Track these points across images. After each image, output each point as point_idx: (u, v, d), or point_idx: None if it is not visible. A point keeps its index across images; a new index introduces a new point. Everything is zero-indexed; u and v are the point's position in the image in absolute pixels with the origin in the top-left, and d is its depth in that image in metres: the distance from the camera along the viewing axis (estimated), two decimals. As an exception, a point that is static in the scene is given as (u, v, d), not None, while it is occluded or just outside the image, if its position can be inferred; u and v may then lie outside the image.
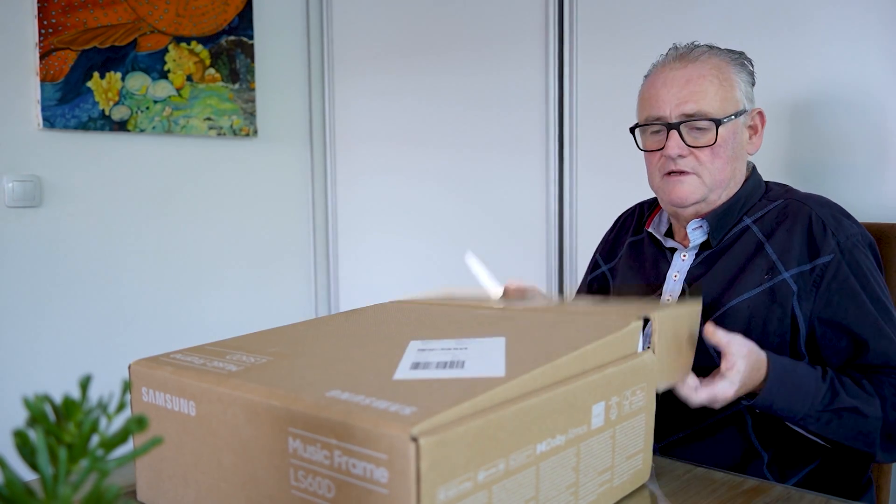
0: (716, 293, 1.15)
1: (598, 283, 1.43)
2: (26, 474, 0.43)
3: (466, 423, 0.58)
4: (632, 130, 1.26)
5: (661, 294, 1.25)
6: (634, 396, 0.80)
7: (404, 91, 2.49)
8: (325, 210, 2.72)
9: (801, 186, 1.26)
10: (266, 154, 2.59)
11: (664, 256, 1.27)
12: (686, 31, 1.86)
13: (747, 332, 1.04)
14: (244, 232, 2.55)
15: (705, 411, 1.10)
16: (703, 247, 1.21)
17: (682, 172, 1.17)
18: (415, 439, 0.54)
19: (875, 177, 1.55)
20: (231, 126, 2.46)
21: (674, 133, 1.16)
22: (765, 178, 1.27)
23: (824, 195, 1.20)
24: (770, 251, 1.13)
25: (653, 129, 1.21)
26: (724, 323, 1.10)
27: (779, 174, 1.53)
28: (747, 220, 1.18)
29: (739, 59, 1.21)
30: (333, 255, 2.72)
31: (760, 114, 1.22)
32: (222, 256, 2.50)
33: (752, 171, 1.24)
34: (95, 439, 0.43)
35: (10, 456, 0.42)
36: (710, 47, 1.20)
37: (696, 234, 1.21)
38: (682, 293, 1.21)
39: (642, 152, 1.25)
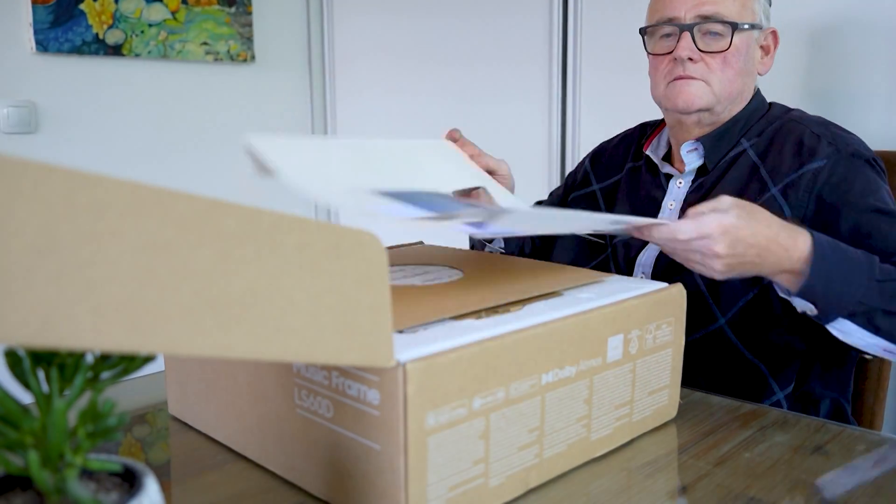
0: None
1: (585, 203, 1.33)
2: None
3: (460, 350, 0.58)
4: (641, 33, 1.18)
5: None
6: (659, 330, 0.78)
7: (406, 17, 2.44)
8: (325, 136, 2.70)
9: (818, 112, 1.19)
10: (264, 80, 2.55)
11: (659, 183, 1.21)
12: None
13: None
14: (241, 158, 2.53)
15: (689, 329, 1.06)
16: (700, 172, 1.16)
17: (690, 78, 1.11)
18: (402, 364, 0.54)
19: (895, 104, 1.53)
20: (228, 51, 2.42)
21: (686, 35, 1.09)
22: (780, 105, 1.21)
23: (842, 124, 1.13)
24: (763, 172, 1.08)
25: (663, 31, 1.13)
26: None
27: (795, 100, 1.48)
28: (745, 143, 1.13)
29: None
30: (333, 184, 2.71)
31: (774, 34, 1.16)
32: (219, 184, 2.48)
33: (756, 93, 1.18)
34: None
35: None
36: None
37: (692, 158, 1.16)
38: None
39: (649, 57, 1.18)
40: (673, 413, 0.84)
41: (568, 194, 1.37)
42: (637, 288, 0.79)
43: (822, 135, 1.07)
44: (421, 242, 1.08)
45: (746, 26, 1.10)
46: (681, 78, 1.11)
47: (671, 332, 0.80)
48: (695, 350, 1.08)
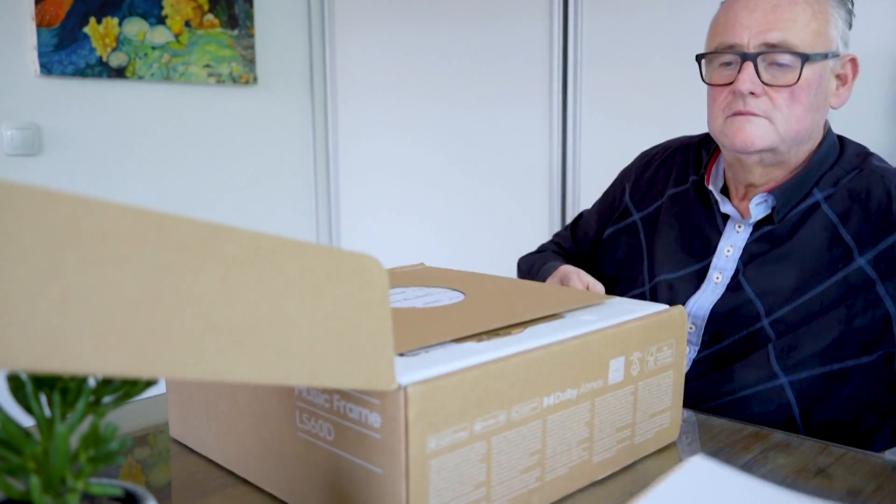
0: (783, 286, 1.00)
1: (626, 236, 1.21)
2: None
3: (461, 373, 0.58)
4: (698, 59, 1.06)
5: (707, 267, 1.08)
6: (661, 353, 0.78)
7: (406, 37, 2.45)
8: (326, 158, 2.71)
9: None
10: (266, 102, 2.57)
11: (714, 222, 1.10)
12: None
13: (825, 334, 0.95)
14: (244, 180, 2.54)
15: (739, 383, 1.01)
16: (763, 219, 1.05)
17: (751, 114, 0.99)
18: (404, 387, 0.54)
19: None
20: (230, 73, 2.43)
21: (748, 65, 0.97)
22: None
23: None
24: (845, 235, 0.97)
25: (724, 59, 1.02)
26: (795, 323, 0.98)
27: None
28: (817, 195, 1.01)
29: None
30: (335, 204, 2.72)
31: (853, 61, 1.03)
32: (223, 205, 2.49)
33: (828, 131, 1.07)
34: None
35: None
36: None
37: (759, 210, 1.05)
38: (736, 273, 1.05)
39: (708, 86, 1.07)
40: (675, 435, 0.83)
41: (604, 227, 1.27)
42: (638, 310, 0.79)
43: None
44: (422, 264, 1.08)
45: (820, 56, 0.98)
46: (741, 114, 1.00)
47: (672, 354, 0.80)
48: (744, 404, 1.02)
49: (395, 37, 2.47)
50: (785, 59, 0.97)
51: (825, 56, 0.98)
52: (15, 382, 0.42)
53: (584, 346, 0.69)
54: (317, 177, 2.70)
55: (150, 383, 0.44)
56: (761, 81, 0.98)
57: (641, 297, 1.15)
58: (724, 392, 1.03)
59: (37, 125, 2.09)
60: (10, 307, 0.34)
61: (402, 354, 0.62)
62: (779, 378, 1.00)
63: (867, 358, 0.98)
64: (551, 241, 1.40)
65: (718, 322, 1.04)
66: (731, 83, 1.00)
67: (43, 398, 0.43)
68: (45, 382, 0.42)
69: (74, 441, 0.42)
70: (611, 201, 1.28)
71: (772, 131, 0.99)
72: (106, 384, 0.43)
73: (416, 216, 2.51)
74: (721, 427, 0.88)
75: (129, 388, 0.44)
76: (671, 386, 0.81)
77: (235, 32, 2.43)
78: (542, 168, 2.17)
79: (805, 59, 0.96)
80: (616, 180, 1.30)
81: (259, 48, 2.50)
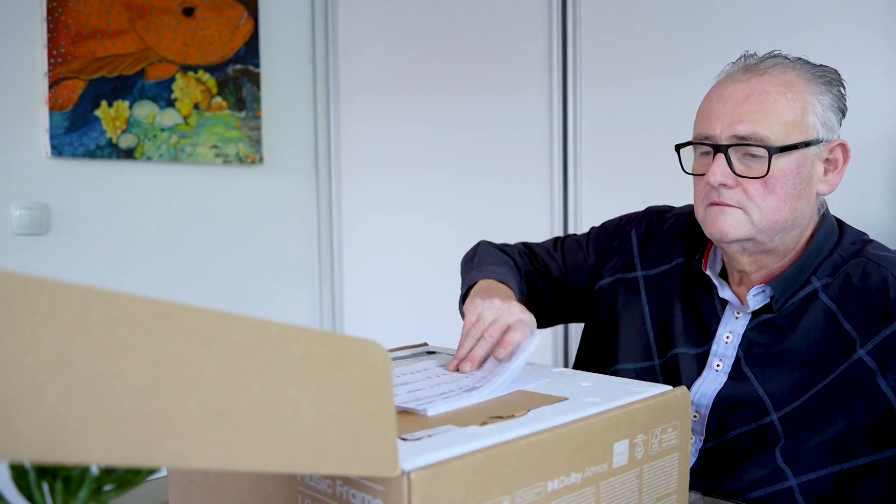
0: (790, 381, 0.98)
1: (624, 288, 1.17)
2: (23, 507, 0.44)
3: (465, 458, 0.58)
4: (677, 149, 1.07)
5: (707, 353, 1.06)
6: (665, 435, 0.77)
7: (409, 118, 2.51)
8: (331, 237, 2.73)
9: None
10: (272, 181, 2.61)
11: (713, 306, 1.08)
12: (692, 55, 1.88)
13: (831, 430, 0.93)
14: (250, 258, 2.56)
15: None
16: (763, 308, 1.03)
17: (725, 205, 0.98)
18: (407, 473, 0.54)
19: None
20: (237, 153, 2.48)
21: (720, 157, 0.97)
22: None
23: None
24: (846, 325, 0.96)
25: (703, 149, 1.02)
26: (803, 418, 0.96)
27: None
28: (815, 283, 1.00)
29: (824, 77, 1.00)
30: (339, 283, 2.73)
31: (843, 146, 1.01)
32: (228, 283, 2.50)
33: (824, 216, 1.05)
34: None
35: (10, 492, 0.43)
36: (788, 58, 1.01)
37: (757, 300, 1.03)
38: (737, 361, 1.03)
39: (690, 176, 1.07)
40: (682, 519, 0.82)
41: (601, 265, 1.23)
42: (640, 391, 0.78)
43: None
44: (426, 344, 1.08)
45: (793, 148, 0.96)
46: (716, 204, 0.99)
47: (677, 437, 0.79)
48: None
49: (398, 114, 2.53)
50: (754, 150, 0.96)
51: (803, 145, 0.97)
52: (18, 471, 0.42)
53: (588, 429, 0.69)
54: (321, 253, 2.73)
55: (151, 471, 0.44)
56: (734, 173, 0.97)
57: (651, 369, 1.12)
58: (732, 493, 1.00)
59: (46, 205, 2.12)
60: (18, 398, 0.34)
61: (403, 438, 0.61)
62: (788, 480, 0.97)
63: (877, 455, 0.95)
64: (521, 248, 1.30)
65: (723, 412, 1.02)
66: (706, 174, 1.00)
67: (45, 486, 0.43)
68: (47, 471, 0.42)
69: (75, 531, 0.41)
70: (614, 245, 1.23)
71: (746, 222, 0.98)
72: (108, 473, 0.43)
73: (420, 290, 2.52)
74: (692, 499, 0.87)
75: (131, 476, 0.44)
76: (677, 469, 0.80)
77: (243, 114, 2.48)
78: (545, 237, 2.20)
79: (773, 151, 0.95)
80: (619, 224, 1.26)
81: (265, 129, 2.56)
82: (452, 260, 2.48)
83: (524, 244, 1.32)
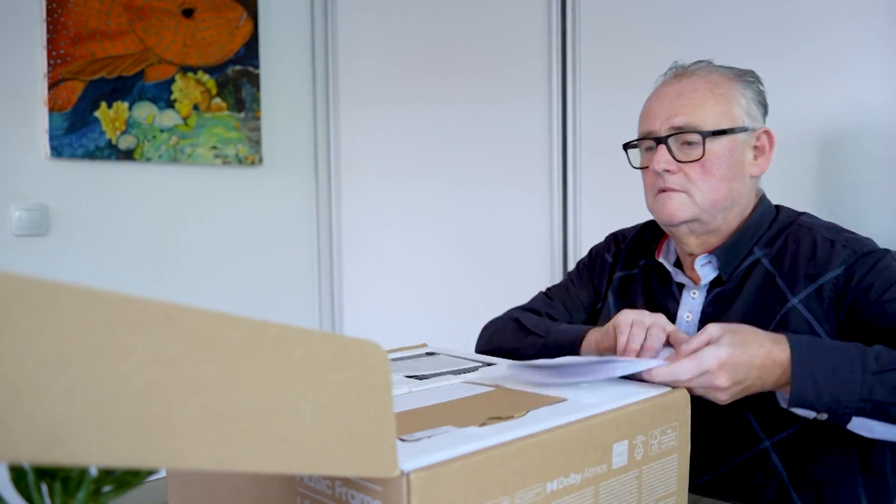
0: None
1: (604, 321, 1.25)
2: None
3: (464, 459, 0.58)
4: (625, 148, 1.20)
5: None
6: (664, 436, 0.77)
7: (408, 120, 2.51)
8: (330, 238, 2.73)
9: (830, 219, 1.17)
10: (271, 182, 2.61)
11: (672, 293, 1.18)
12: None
13: None
14: (250, 259, 2.56)
15: (728, 452, 1.05)
16: (715, 282, 1.14)
17: (671, 189, 1.11)
18: (406, 474, 0.54)
19: None
20: (237, 154, 2.48)
21: (661, 147, 1.10)
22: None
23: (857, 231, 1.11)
24: (780, 282, 1.07)
25: (647, 145, 1.15)
26: None
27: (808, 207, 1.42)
28: (758, 252, 1.12)
29: (743, 76, 1.14)
30: (338, 284, 2.73)
31: (768, 133, 1.14)
32: (228, 284, 2.50)
33: (762, 198, 1.17)
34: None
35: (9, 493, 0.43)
36: (711, 64, 1.15)
37: (706, 271, 1.14)
38: None
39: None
40: (682, 520, 0.82)
41: (596, 294, 1.32)
42: (640, 392, 0.78)
43: (835, 240, 1.06)
44: (424, 345, 1.08)
45: (723, 133, 1.09)
46: (663, 191, 1.11)
47: (676, 438, 0.79)
48: (732, 478, 1.06)
49: (398, 117, 2.53)
50: (690, 137, 1.09)
51: (731, 131, 1.10)
52: (17, 472, 0.42)
53: (587, 431, 0.69)
54: (320, 254, 2.72)
55: (150, 472, 0.44)
56: (675, 159, 1.10)
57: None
58: (714, 465, 1.06)
59: (45, 206, 2.12)
60: (17, 399, 0.34)
61: (403, 439, 0.61)
62: (763, 442, 1.04)
63: None
64: (529, 309, 1.34)
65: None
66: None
67: (44, 487, 0.43)
68: (46, 472, 0.42)
69: (74, 532, 0.41)
70: (597, 271, 1.32)
71: (690, 203, 1.10)
72: (107, 474, 0.43)
73: (418, 293, 2.52)
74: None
75: (130, 477, 0.44)
76: (676, 470, 0.80)
77: (242, 115, 2.48)
78: (544, 245, 2.19)
79: (706, 135, 1.08)
80: (591, 255, 1.36)
81: (265, 130, 2.56)
82: (451, 263, 2.49)
83: (523, 307, 1.34)
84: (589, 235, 2.08)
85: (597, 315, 1.31)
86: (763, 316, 1.06)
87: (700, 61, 1.16)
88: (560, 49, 2.13)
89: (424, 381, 0.88)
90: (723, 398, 0.86)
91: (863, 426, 0.88)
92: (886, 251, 1.05)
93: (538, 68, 2.19)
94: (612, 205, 2.03)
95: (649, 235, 1.29)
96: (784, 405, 0.91)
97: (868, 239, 1.07)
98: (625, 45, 2.01)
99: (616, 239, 1.35)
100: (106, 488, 0.44)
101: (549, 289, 1.38)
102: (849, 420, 0.88)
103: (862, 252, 1.03)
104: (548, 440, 0.65)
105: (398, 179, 2.55)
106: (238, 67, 2.48)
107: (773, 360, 0.87)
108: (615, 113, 2.02)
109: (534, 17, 2.19)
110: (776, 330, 1.00)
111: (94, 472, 0.43)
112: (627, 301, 1.24)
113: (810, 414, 0.89)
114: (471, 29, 2.35)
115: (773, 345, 0.87)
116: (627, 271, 1.28)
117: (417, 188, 2.50)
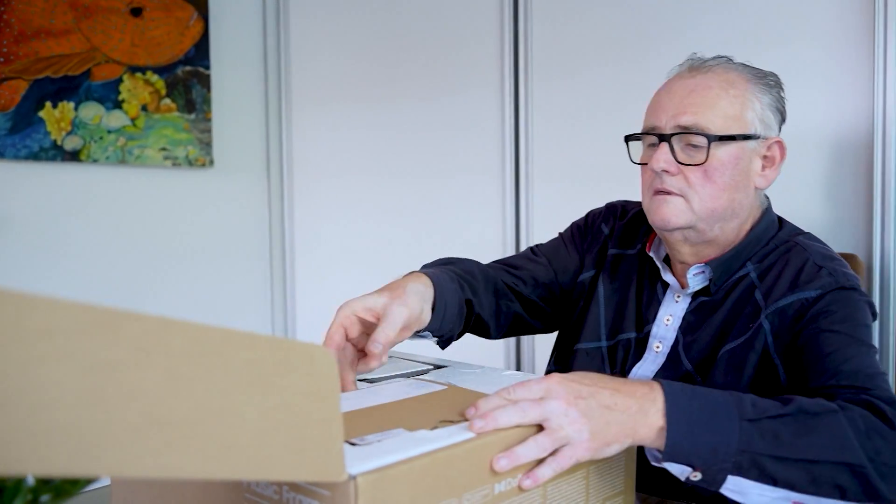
0: (702, 344, 1.04)
1: (579, 292, 1.21)
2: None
3: (412, 461, 0.58)
4: (626, 140, 1.12)
5: (647, 335, 1.10)
6: None
7: (361, 120, 2.50)
8: (283, 241, 2.71)
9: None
10: (222, 184, 2.57)
11: (655, 289, 1.13)
12: (640, 49, 1.91)
13: (725, 387, 0.89)
14: (200, 263, 2.52)
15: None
16: (701, 290, 1.08)
17: (668, 192, 1.03)
18: (353, 478, 0.54)
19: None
20: (187, 156, 2.44)
21: (664, 146, 1.02)
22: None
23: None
24: (758, 294, 1.02)
25: (649, 140, 1.07)
26: (713, 378, 1.00)
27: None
28: (749, 267, 1.05)
29: (764, 79, 1.06)
30: (291, 288, 2.70)
31: (779, 143, 1.06)
32: (178, 289, 2.46)
33: (766, 211, 1.10)
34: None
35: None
36: (731, 61, 1.07)
37: (697, 280, 1.07)
38: (676, 343, 1.07)
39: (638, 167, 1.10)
40: (630, 519, 0.83)
41: (581, 263, 1.24)
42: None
43: (824, 266, 0.99)
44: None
45: (731, 140, 1.01)
46: (660, 192, 1.04)
47: (624, 437, 0.80)
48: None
49: (351, 115, 2.52)
50: (695, 139, 1.01)
51: (740, 137, 1.02)
52: (-50, 483, 0.41)
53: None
54: (272, 257, 2.70)
55: (89, 481, 0.43)
56: (677, 161, 1.02)
57: (597, 350, 1.15)
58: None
59: (-13, 208, 2.07)
60: (-52, 407, 0.33)
61: (353, 443, 0.61)
62: None
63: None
64: (494, 263, 1.24)
65: None
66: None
67: (-21, 499, 0.41)
68: (-19, 482, 0.41)
69: (10, 543, 0.40)
70: (588, 240, 1.25)
71: (686, 210, 1.03)
72: (45, 483, 0.42)
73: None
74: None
75: (69, 486, 0.43)
76: (623, 469, 0.81)
77: (192, 116, 2.45)
78: (497, 235, 2.22)
79: (712, 139, 1.00)
80: (587, 221, 1.28)
81: (216, 131, 2.52)
82: (405, 262, 2.48)
83: (498, 261, 1.27)
84: (541, 225, 2.11)
85: (580, 287, 1.22)
86: (736, 330, 1.02)
87: (719, 56, 1.07)
88: (512, 38, 2.16)
89: (375, 385, 0.88)
90: (578, 420, 0.71)
91: (737, 488, 0.77)
92: (868, 298, 1.00)
93: (490, 61, 2.20)
94: (563, 194, 2.06)
95: (631, 221, 1.23)
96: (654, 462, 0.79)
97: (856, 277, 1.01)
98: (575, 31, 2.05)
99: (615, 212, 1.26)
100: (43, 498, 0.43)
101: (536, 245, 1.29)
102: (723, 480, 0.76)
103: (843, 285, 0.98)
104: (495, 442, 0.65)
105: (352, 178, 2.54)
106: (188, 68, 2.44)
107: (625, 384, 0.77)
108: (566, 97, 2.06)
109: (485, 9, 2.20)
110: (747, 344, 0.99)
111: (31, 480, 0.42)
112: (619, 283, 1.18)
113: (684, 472, 0.77)
114: (422, 25, 2.35)
115: (640, 384, 0.78)
116: (622, 250, 1.21)
117: (371, 186, 2.49)
